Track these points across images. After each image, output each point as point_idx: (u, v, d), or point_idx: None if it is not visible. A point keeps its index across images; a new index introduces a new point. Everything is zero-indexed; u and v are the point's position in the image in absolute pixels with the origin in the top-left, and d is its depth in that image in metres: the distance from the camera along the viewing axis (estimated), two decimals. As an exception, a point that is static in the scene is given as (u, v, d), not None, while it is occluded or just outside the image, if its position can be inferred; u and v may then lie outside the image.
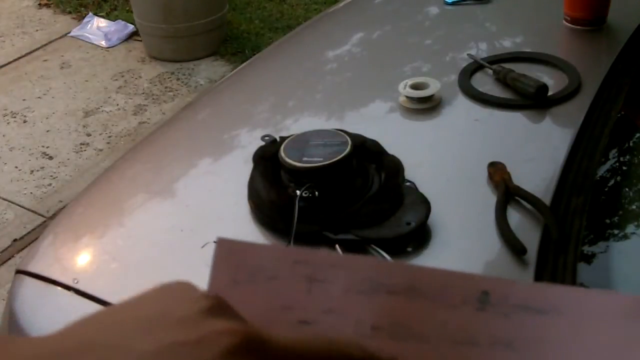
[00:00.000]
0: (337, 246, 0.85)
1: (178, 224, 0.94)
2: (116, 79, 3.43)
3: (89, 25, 3.88)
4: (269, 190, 0.92)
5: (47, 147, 2.97)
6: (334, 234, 0.86)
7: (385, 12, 1.51)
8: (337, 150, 0.90)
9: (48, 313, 0.85)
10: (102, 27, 3.84)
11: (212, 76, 3.40)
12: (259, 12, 3.95)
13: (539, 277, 0.79)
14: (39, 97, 3.32)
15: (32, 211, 2.62)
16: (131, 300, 0.37)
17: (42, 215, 2.59)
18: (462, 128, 1.09)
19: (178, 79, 3.41)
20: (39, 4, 4.23)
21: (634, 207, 1.02)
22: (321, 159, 0.89)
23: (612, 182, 1.04)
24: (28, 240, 2.47)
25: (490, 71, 1.19)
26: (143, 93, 3.31)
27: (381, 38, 1.41)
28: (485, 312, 0.38)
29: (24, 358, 0.33)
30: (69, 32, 3.87)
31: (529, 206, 0.89)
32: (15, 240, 2.49)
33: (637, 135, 1.15)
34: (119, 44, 3.73)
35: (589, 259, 0.88)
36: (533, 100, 1.10)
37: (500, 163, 0.96)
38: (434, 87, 1.12)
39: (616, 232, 0.96)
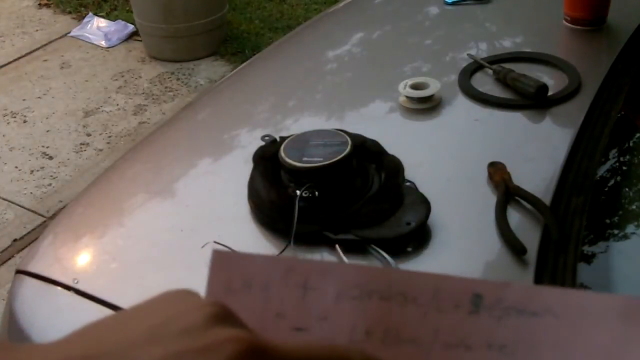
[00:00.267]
0: (337, 246, 0.85)
1: (178, 224, 0.94)
2: (116, 79, 3.43)
3: (89, 25, 3.88)
4: (269, 190, 0.92)
5: (47, 147, 2.97)
6: (334, 234, 0.86)
7: (385, 12, 1.51)
8: (337, 150, 0.90)
9: (48, 313, 0.85)
10: (102, 27, 3.84)
11: (212, 76, 3.40)
12: (259, 12, 3.95)
13: (539, 277, 0.79)
14: (39, 97, 3.32)
15: (32, 211, 2.62)
16: (136, 307, 0.37)
17: (42, 215, 2.59)
18: (462, 128, 1.09)
19: (178, 79, 3.41)
20: (39, 4, 4.23)
21: (634, 207, 1.02)
22: (321, 159, 0.89)
23: (612, 182, 1.04)
24: (28, 240, 2.47)
25: (490, 71, 1.19)
26: (143, 93, 3.31)
27: (381, 38, 1.41)
28: (479, 315, 0.38)
29: None
30: (69, 32, 3.87)
31: (529, 206, 0.89)
32: (15, 240, 2.49)
33: (637, 135, 1.15)
34: (119, 44, 3.73)
35: (589, 259, 0.88)
36: (533, 100, 1.10)
37: (500, 163, 0.96)
38: (434, 87, 1.12)
39: (616, 232, 0.96)
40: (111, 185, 1.08)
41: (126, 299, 0.82)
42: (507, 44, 1.32)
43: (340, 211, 0.88)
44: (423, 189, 0.92)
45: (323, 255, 0.85)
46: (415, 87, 1.13)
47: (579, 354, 0.37)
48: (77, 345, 0.34)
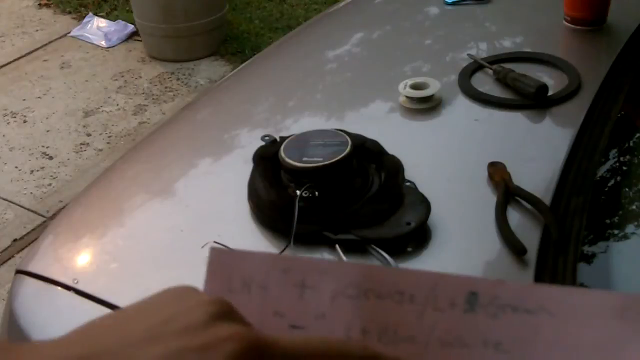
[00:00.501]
0: (337, 246, 0.85)
1: (178, 224, 0.94)
2: (116, 79, 3.43)
3: (89, 25, 3.87)
4: (269, 190, 0.92)
5: (47, 147, 2.97)
6: (334, 234, 0.86)
7: (385, 12, 1.51)
8: (337, 150, 0.90)
9: (48, 313, 0.85)
10: (102, 27, 3.84)
11: (212, 76, 3.40)
12: (259, 12, 3.95)
13: (539, 277, 0.79)
14: (39, 97, 3.32)
15: (32, 211, 2.62)
16: (136, 305, 0.37)
17: (42, 215, 2.59)
18: (462, 128, 1.09)
19: (178, 79, 3.41)
20: (39, 4, 4.23)
21: (634, 207, 1.02)
22: (321, 159, 0.89)
23: (612, 182, 1.04)
24: (28, 240, 2.47)
25: (490, 71, 1.19)
26: (143, 93, 3.31)
27: (381, 38, 1.41)
28: (474, 313, 0.38)
29: None
30: (69, 32, 3.87)
31: (529, 206, 0.89)
32: (15, 240, 2.49)
33: (637, 135, 1.15)
34: (119, 44, 3.73)
35: (589, 259, 0.88)
36: (533, 100, 1.10)
37: (500, 163, 0.96)
38: (434, 87, 1.12)
39: (616, 232, 0.96)
40: (111, 185, 1.08)
41: (126, 299, 0.82)
42: (507, 44, 1.32)
43: (340, 211, 0.88)
44: (423, 189, 0.92)
45: (323, 256, 0.85)
46: (415, 87, 1.13)
47: (575, 350, 0.37)
48: (77, 344, 0.34)
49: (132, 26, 3.74)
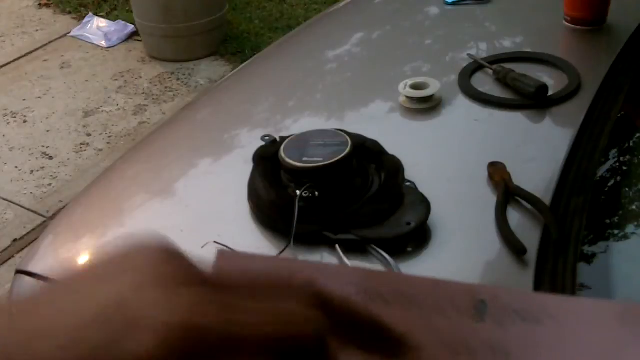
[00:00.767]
0: (337, 246, 0.85)
1: (178, 224, 0.94)
2: (116, 79, 3.43)
3: (89, 25, 3.87)
4: (269, 190, 0.92)
5: (47, 147, 2.97)
6: (334, 234, 0.86)
7: (385, 12, 1.51)
8: (337, 150, 0.90)
9: (48, 313, 0.85)
10: (102, 27, 3.84)
11: (212, 76, 3.40)
12: (259, 12, 3.95)
13: (539, 277, 0.79)
14: (39, 97, 3.32)
15: (32, 211, 2.62)
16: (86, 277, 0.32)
17: (42, 215, 2.59)
18: (462, 128, 1.09)
19: (178, 79, 3.41)
20: (39, 4, 4.23)
21: (634, 207, 1.02)
22: (321, 159, 0.89)
23: (612, 182, 1.04)
24: (28, 240, 2.47)
25: (490, 71, 1.19)
26: (143, 93, 3.31)
27: (381, 38, 1.41)
28: (483, 322, 0.38)
29: None
30: (69, 32, 3.87)
31: (529, 206, 0.89)
32: (15, 240, 2.49)
33: (637, 135, 1.15)
34: (119, 44, 3.73)
35: (589, 259, 0.88)
36: (533, 100, 1.10)
37: (500, 163, 0.96)
38: (434, 87, 1.12)
39: (616, 232, 0.96)
40: (111, 185, 1.08)
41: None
42: (507, 44, 1.32)
43: (340, 211, 0.88)
44: (423, 189, 0.92)
45: (323, 255, 0.85)
46: (415, 87, 1.13)
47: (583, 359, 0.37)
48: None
49: (132, 26, 3.74)
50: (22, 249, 2.44)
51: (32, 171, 2.83)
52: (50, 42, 3.82)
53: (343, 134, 0.94)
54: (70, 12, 4.11)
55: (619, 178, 1.06)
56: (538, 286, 0.78)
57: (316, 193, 0.88)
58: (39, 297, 0.32)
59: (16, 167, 2.86)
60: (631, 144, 1.12)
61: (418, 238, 0.86)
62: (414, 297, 0.39)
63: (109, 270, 0.32)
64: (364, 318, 0.36)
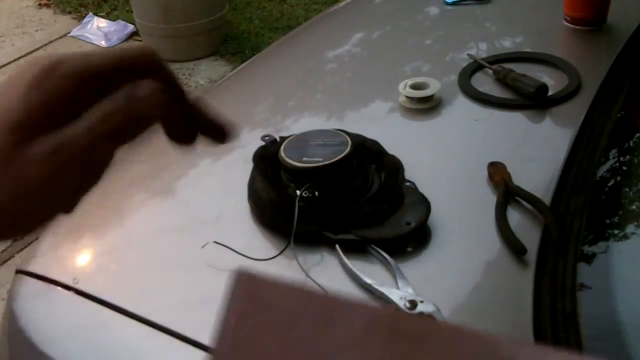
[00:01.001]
0: (337, 246, 0.85)
1: (178, 224, 0.94)
2: (116, 79, 3.43)
3: (89, 25, 3.88)
4: (269, 190, 0.92)
5: (47, 147, 2.97)
6: (334, 234, 0.86)
7: (385, 12, 1.51)
8: (337, 150, 0.90)
9: (48, 313, 0.85)
10: (102, 27, 3.84)
11: (212, 76, 3.40)
12: (259, 12, 3.95)
13: (539, 277, 0.79)
14: (39, 97, 3.32)
15: (32, 211, 2.62)
16: None
17: (42, 215, 2.59)
18: (462, 128, 1.09)
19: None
20: (39, 4, 4.23)
21: (634, 207, 1.02)
22: (321, 159, 0.89)
23: (612, 182, 1.04)
24: (28, 240, 2.46)
25: (490, 71, 1.19)
26: (143, 93, 3.31)
27: (381, 38, 1.41)
28: None
29: None
30: (69, 32, 3.87)
31: (529, 206, 0.89)
32: (15, 240, 2.49)
33: (637, 135, 1.15)
34: (119, 44, 3.73)
35: (589, 259, 0.88)
36: (533, 100, 1.11)
37: (500, 163, 0.96)
38: (434, 87, 1.12)
39: (616, 232, 0.96)
40: (111, 185, 1.08)
41: (126, 299, 0.82)
42: (507, 44, 1.32)
43: (340, 211, 0.88)
44: (423, 189, 0.92)
45: (323, 255, 0.85)
46: (415, 87, 1.13)
47: None
48: None
49: (132, 26, 3.74)
50: (22, 249, 2.44)
51: (32, 171, 2.83)
52: (50, 42, 3.82)
53: (343, 134, 0.94)
54: (70, 12, 4.11)
55: (619, 178, 1.06)
56: (538, 286, 0.78)
57: (316, 193, 0.88)
58: None
59: (16, 167, 2.86)
60: (631, 144, 1.12)
61: (418, 238, 0.86)
62: (438, 343, 0.38)
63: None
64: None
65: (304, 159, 0.90)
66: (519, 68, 1.17)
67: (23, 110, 0.37)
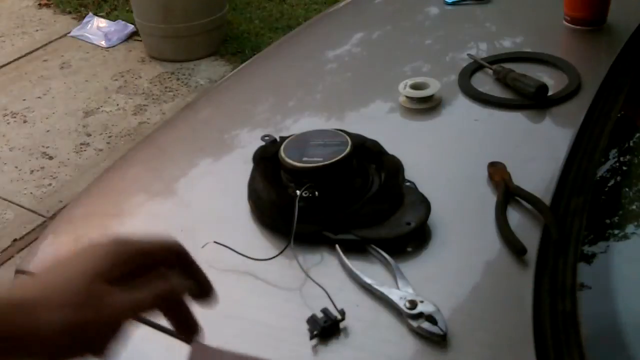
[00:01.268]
0: (337, 246, 0.85)
1: (178, 224, 0.94)
2: (116, 79, 3.43)
3: (89, 25, 3.87)
4: (269, 190, 0.92)
5: (47, 147, 2.97)
6: (334, 234, 0.86)
7: (385, 12, 1.51)
8: (337, 150, 0.90)
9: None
10: (102, 27, 3.84)
11: (212, 76, 3.40)
12: (259, 12, 3.95)
13: (539, 277, 0.79)
14: (39, 97, 3.32)
15: (32, 211, 2.62)
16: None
17: (42, 215, 2.59)
18: (462, 128, 1.09)
19: (178, 79, 3.41)
20: (39, 4, 4.23)
21: (634, 207, 1.02)
22: (321, 159, 0.89)
23: (612, 182, 1.04)
24: (28, 240, 2.47)
25: (490, 71, 1.19)
26: (143, 93, 3.31)
27: (381, 38, 1.41)
28: None
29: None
30: (69, 32, 3.87)
31: (529, 206, 0.89)
32: (15, 240, 2.49)
33: (637, 135, 1.15)
34: (119, 44, 3.73)
35: (589, 259, 0.88)
36: (533, 100, 1.11)
37: (500, 163, 0.96)
38: (434, 87, 1.12)
39: (616, 232, 0.96)
40: (111, 185, 1.08)
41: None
42: (507, 44, 1.32)
43: (340, 211, 0.88)
44: (423, 189, 0.92)
45: (323, 255, 0.85)
46: (415, 87, 1.13)
47: None
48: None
49: (132, 26, 3.74)
50: (22, 249, 2.44)
51: (32, 171, 2.83)
52: (50, 42, 3.82)
53: (343, 134, 0.94)
54: (70, 12, 4.11)
55: (619, 178, 1.06)
56: (538, 286, 0.78)
57: (316, 193, 0.88)
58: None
59: (16, 167, 2.86)
60: (631, 144, 1.12)
61: (418, 238, 0.86)
62: None
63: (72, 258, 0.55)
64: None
65: (304, 159, 0.90)
66: (519, 68, 1.17)
67: (109, 266, 0.52)
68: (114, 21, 3.88)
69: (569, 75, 1.16)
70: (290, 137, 0.96)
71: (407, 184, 0.93)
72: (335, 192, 0.89)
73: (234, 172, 1.01)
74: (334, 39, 1.40)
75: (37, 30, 3.95)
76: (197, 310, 0.60)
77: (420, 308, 0.75)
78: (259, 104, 1.22)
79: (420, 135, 1.09)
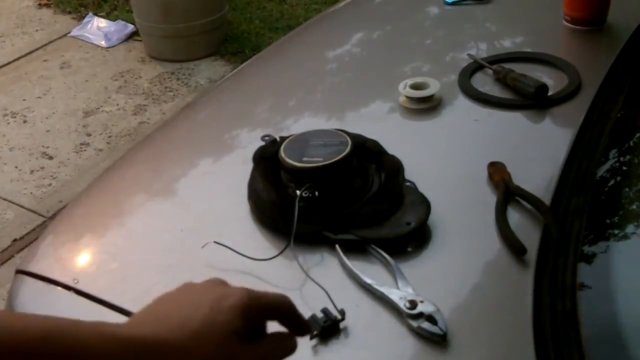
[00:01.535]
0: (337, 246, 0.85)
1: (178, 224, 0.94)
2: (116, 79, 3.43)
3: (89, 25, 3.87)
4: (269, 190, 0.92)
5: (47, 147, 2.97)
6: (334, 234, 0.86)
7: (385, 12, 1.51)
8: (337, 150, 0.90)
9: (48, 313, 0.85)
10: (102, 27, 3.84)
11: (212, 76, 3.40)
12: (259, 12, 3.95)
13: (539, 277, 0.79)
14: (39, 97, 3.32)
15: (32, 211, 2.62)
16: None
17: (42, 215, 2.59)
18: (462, 128, 1.09)
19: (178, 79, 3.40)
20: (39, 4, 4.23)
21: (634, 207, 1.02)
22: (321, 159, 0.89)
23: (612, 182, 1.04)
24: (28, 240, 2.46)
25: (490, 71, 1.19)
26: (143, 93, 3.31)
27: (381, 38, 1.41)
28: None
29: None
30: (69, 32, 3.87)
31: (529, 206, 0.89)
32: (15, 240, 2.49)
33: (637, 135, 1.15)
34: (119, 44, 3.73)
35: (589, 259, 0.88)
36: (533, 100, 1.11)
37: (500, 163, 0.96)
38: (434, 87, 1.12)
39: (616, 232, 0.96)
40: (111, 185, 1.08)
41: (126, 299, 0.82)
42: (507, 44, 1.32)
43: (340, 211, 0.88)
44: (423, 189, 0.92)
45: (323, 255, 0.85)
46: (415, 87, 1.13)
47: None
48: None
49: (132, 26, 3.74)
50: (22, 249, 2.44)
51: (32, 171, 2.83)
52: (50, 42, 3.82)
53: (343, 134, 0.94)
54: (70, 12, 4.10)
55: (619, 178, 1.06)
56: (538, 286, 0.78)
57: (316, 193, 0.88)
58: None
59: (16, 167, 2.86)
60: (631, 144, 1.12)
61: (418, 238, 0.86)
62: None
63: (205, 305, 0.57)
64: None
65: (304, 159, 0.90)
66: (519, 68, 1.17)
67: (244, 325, 0.55)
68: (114, 21, 3.87)
69: (569, 75, 1.16)
70: (290, 137, 0.96)
71: (407, 184, 0.93)
72: (335, 192, 0.89)
73: (234, 172, 1.01)
74: (334, 39, 1.40)
75: (37, 30, 3.95)
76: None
77: (420, 308, 0.75)
78: (259, 104, 1.22)
79: (420, 135, 1.09)
